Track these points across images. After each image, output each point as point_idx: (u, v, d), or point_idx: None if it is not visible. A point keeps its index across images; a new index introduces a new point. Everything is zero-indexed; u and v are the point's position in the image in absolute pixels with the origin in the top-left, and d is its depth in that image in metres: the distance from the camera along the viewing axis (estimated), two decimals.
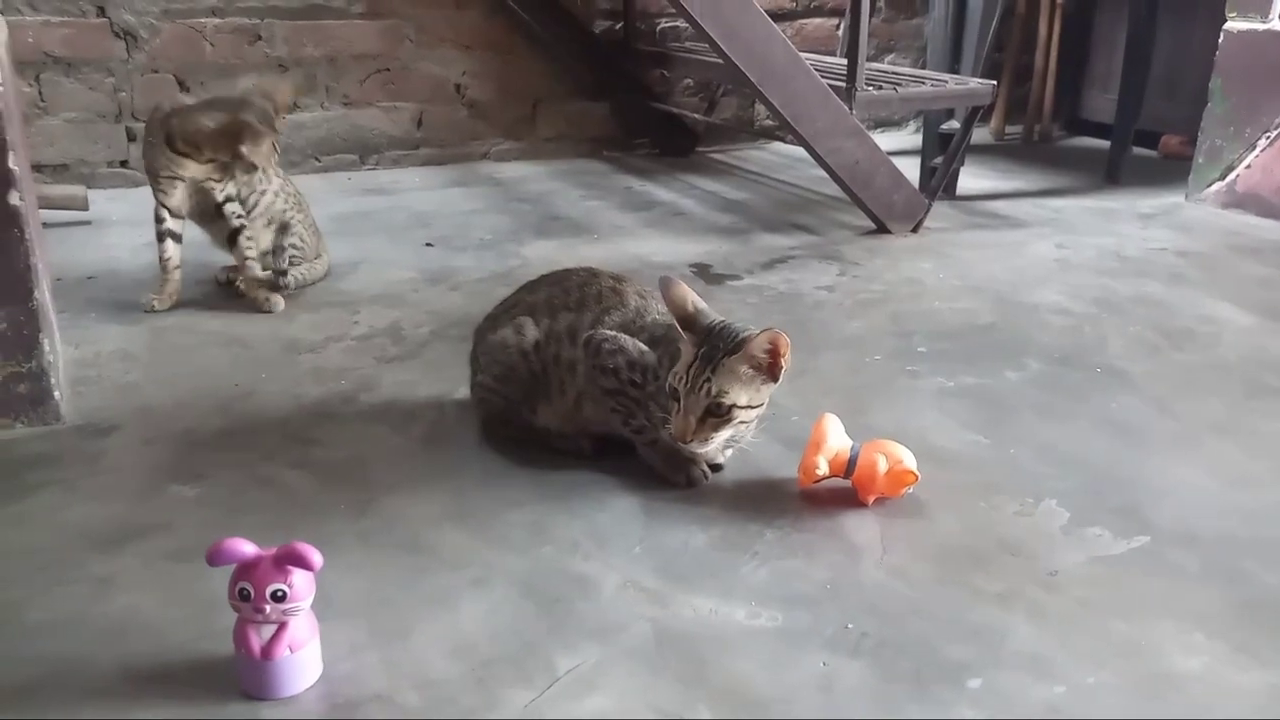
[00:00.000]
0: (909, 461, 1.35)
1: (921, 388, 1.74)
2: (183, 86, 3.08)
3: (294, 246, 2.20)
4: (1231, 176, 2.92)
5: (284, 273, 2.11)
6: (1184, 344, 1.94)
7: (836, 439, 1.37)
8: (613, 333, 1.43)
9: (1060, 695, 1.02)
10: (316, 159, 3.30)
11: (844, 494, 1.38)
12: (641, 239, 2.65)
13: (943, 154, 2.94)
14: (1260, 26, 2.79)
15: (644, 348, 1.41)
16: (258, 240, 2.09)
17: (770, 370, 1.32)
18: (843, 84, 2.58)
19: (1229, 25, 2.86)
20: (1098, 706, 1.01)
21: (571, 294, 1.49)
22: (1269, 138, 2.81)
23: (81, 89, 2.98)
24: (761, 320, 1.85)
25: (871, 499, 1.36)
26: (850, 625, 1.12)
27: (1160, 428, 1.61)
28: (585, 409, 1.47)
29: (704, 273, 2.37)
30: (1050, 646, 1.09)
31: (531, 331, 1.47)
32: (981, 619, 1.13)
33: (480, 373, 1.54)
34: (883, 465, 1.34)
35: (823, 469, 1.36)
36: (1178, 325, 2.03)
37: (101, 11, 2.95)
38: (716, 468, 1.45)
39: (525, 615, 1.14)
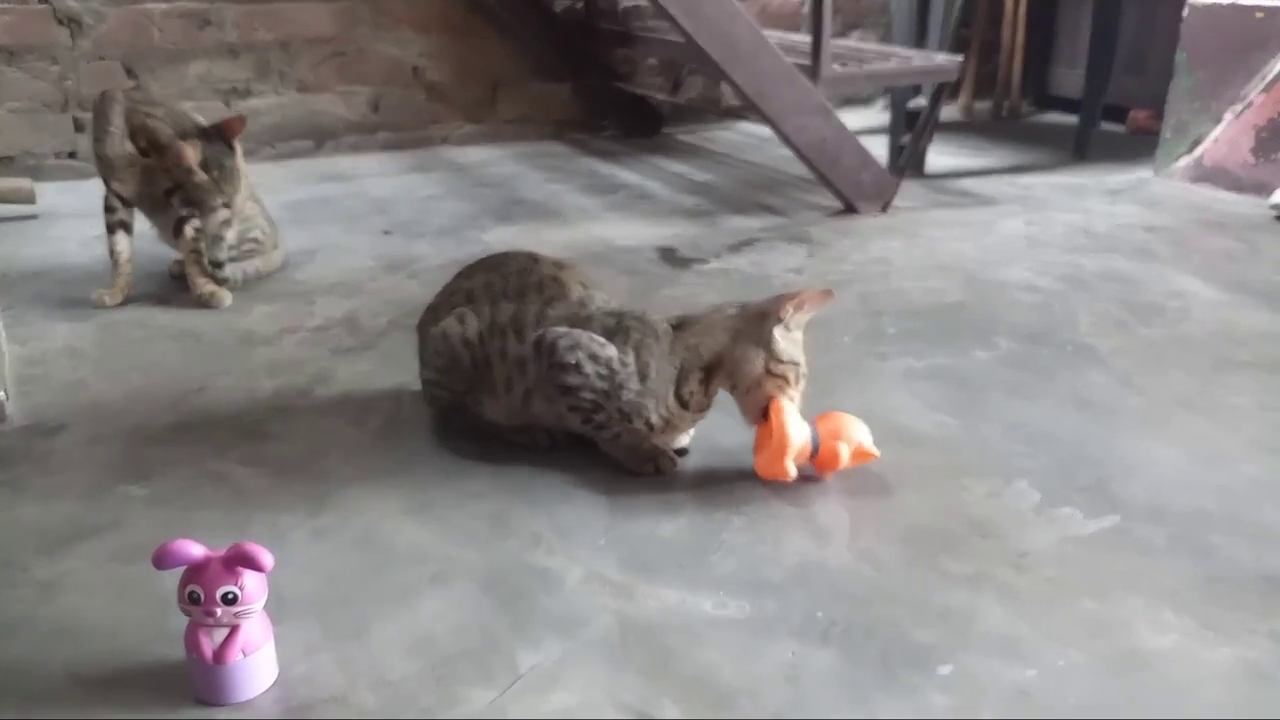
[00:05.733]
0: (867, 442, 1.34)
1: (890, 369, 1.73)
2: (131, 74, 3.01)
3: (253, 240, 2.15)
4: (1198, 151, 2.92)
5: (221, 265, 2.05)
6: (1152, 319, 1.93)
7: (798, 434, 1.33)
8: (564, 329, 1.37)
9: (1031, 678, 1.00)
10: (271, 146, 3.24)
11: (812, 478, 1.37)
12: (606, 222, 2.62)
13: (911, 132, 2.92)
14: (1224, 0, 2.79)
15: (600, 339, 1.36)
16: (206, 229, 2.04)
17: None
18: (808, 62, 2.55)
19: None
20: (1068, 688, 0.99)
21: (510, 280, 1.43)
22: (1235, 112, 2.81)
23: (25, 78, 2.91)
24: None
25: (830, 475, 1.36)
26: (819, 613, 1.10)
27: (1130, 404, 1.60)
28: (535, 405, 1.42)
29: (670, 256, 2.34)
30: (1020, 628, 1.08)
31: (473, 322, 1.42)
32: (951, 602, 1.12)
33: (425, 366, 1.50)
34: (845, 454, 1.33)
35: (793, 473, 1.33)
36: (1146, 301, 2.03)
37: None
38: (681, 451, 1.43)
39: (486, 611, 1.11)
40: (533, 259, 1.46)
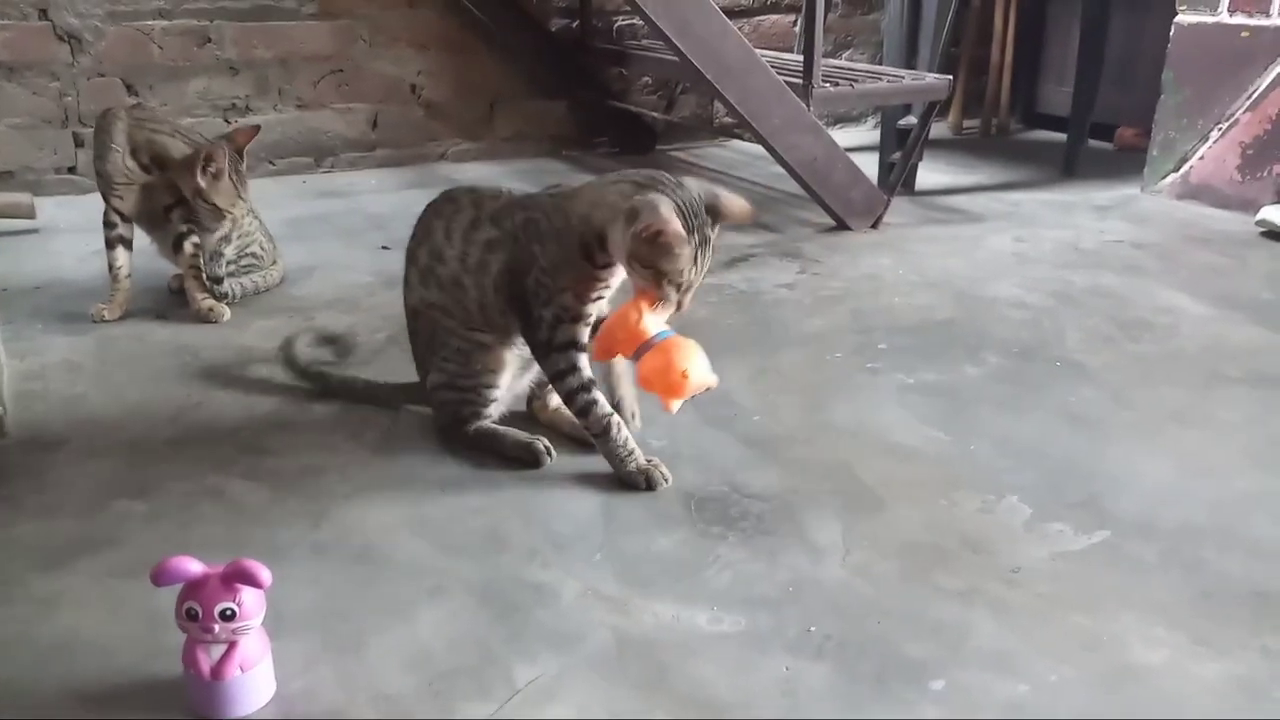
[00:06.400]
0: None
1: (882, 384, 1.74)
2: (131, 90, 3.01)
3: (253, 255, 2.17)
4: (1185, 168, 2.95)
5: (219, 280, 2.06)
6: (1141, 335, 1.95)
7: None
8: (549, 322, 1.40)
9: (1023, 693, 1.01)
10: (270, 162, 3.25)
11: (809, 489, 1.37)
12: None
13: (901, 149, 2.95)
14: (1210, 19, 2.83)
15: (537, 276, 1.38)
16: (205, 245, 2.05)
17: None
18: (800, 80, 2.57)
19: (1179, 18, 2.89)
20: (1061, 703, 1.00)
21: (418, 229, 1.52)
22: (1221, 129, 2.84)
23: (25, 94, 2.91)
24: (721, 319, 1.85)
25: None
26: (813, 628, 1.11)
27: (1119, 419, 1.61)
28: (496, 318, 1.45)
29: None
30: (1013, 643, 1.09)
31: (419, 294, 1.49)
32: (944, 617, 1.13)
33: (430, 372, 1.52)
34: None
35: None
36: (1135, 317, 2.05)
37: (44, 14, 2.88)
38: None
39: (483, 625, 1.12)
40: (430, 204, 1.53)
